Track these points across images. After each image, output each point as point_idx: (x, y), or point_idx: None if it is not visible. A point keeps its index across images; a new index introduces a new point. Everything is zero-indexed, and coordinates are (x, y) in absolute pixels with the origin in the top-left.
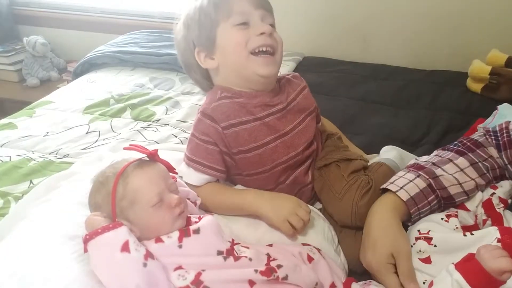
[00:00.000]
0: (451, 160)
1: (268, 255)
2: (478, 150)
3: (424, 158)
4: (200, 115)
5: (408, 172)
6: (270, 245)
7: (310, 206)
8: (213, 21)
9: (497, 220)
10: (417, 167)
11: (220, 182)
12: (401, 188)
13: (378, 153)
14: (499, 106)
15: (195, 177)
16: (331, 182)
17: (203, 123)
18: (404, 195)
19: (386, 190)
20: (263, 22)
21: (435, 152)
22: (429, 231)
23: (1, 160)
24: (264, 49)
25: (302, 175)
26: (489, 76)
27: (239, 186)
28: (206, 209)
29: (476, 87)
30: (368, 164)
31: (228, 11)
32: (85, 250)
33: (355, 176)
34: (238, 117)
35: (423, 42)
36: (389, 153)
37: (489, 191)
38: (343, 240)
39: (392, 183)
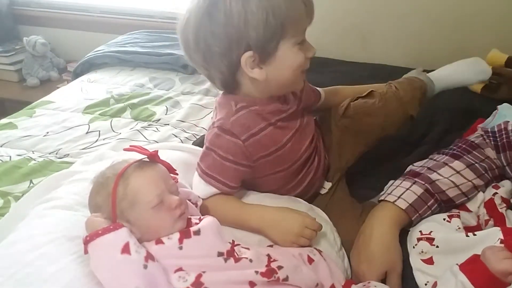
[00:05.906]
0: (446, 164)
1: (269, 256)
2: (474, 152)
3: (419, 163)
4: (218, 130)
5: (404, 180)
6: (271, 246)
7: (317, 210)
8: (282, 33)
9: (499, 221)
10: (412, 174)
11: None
12: (399, 197)
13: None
14: (499, 106)
15: (201, 189)
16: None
17: (222, 138)
18: (402, 204)
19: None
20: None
21: (430, 157)
22: (431, 231)
23: (1, 160)
24: None
25: (312, 164)
26: None
27: (243, 194)
28: None
29: (476, 87)
30: None
31: (297, 30)
32: (85, 252)
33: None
34: (257, 125)
35: (423, 42)
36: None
37: (491, 190)
38: (343, 224)
39: (389, 194)
